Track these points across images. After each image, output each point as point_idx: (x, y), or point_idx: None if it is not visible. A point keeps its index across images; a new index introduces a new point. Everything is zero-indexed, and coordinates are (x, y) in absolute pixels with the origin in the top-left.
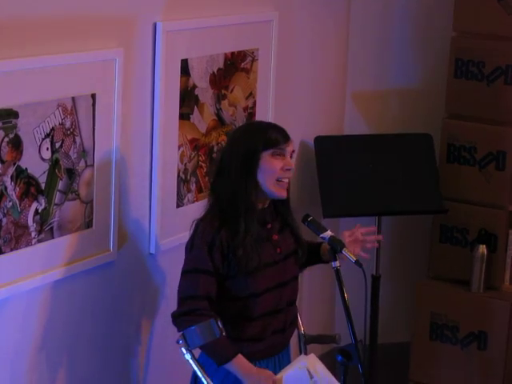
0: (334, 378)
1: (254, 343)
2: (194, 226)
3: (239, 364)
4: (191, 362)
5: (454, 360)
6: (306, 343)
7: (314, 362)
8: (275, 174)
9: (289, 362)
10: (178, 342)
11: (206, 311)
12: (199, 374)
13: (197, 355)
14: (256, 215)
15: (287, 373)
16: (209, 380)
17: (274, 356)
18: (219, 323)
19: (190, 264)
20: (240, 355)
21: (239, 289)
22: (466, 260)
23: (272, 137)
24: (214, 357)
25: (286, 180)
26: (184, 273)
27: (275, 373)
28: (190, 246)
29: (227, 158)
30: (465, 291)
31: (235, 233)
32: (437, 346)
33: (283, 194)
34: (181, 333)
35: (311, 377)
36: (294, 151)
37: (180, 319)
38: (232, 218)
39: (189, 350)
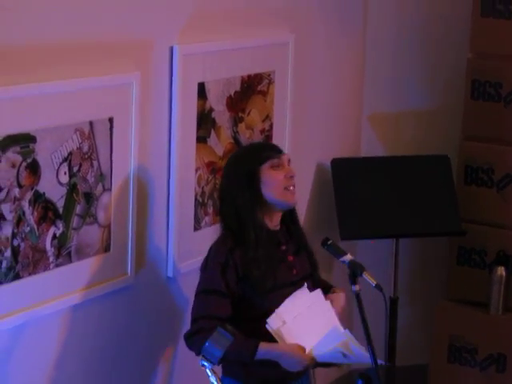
0: (367, 355)
1: (274, 367)
2: (209, 248)
3: (267, 350)
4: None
5: (473, 383)
6: (313, 367)
7: (347, 341)
8: (280, 184)
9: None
10: (202, 365)
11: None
12: None
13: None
14: (265, 233)
15: (318, 352)
16: None
17: (294, 381)
18: (227, 327)
19: (203, 285)
20: (263, 342)
21: (255, 309)
22: (484, 282)
23: (265, 151)
24: (240, 357)
25: (292, 187)
26: (197, 294)
27: (301, 382)
28: (204, 268)
29: (226, 185)
30: (483, 313)
31: (248, 252)
32: (455, 368)
33: (294, 201)
34: (200, 355)
35: (344, 355)
36: (289, 160)
37: (190, 340)
38: (243, 238)
39: (213, 372)
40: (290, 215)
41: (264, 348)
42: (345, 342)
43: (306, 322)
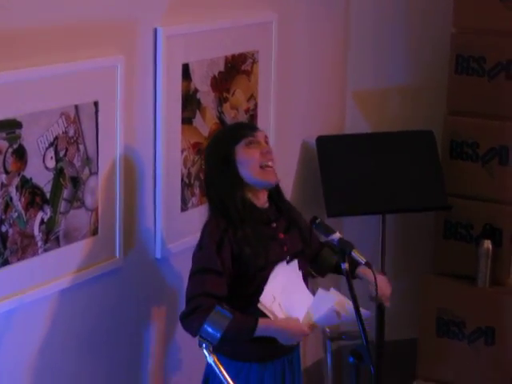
0: (364, 310)
1: (263, 343)
2: (202, 228)
3: (265, 326)
4: (213, 365)
5: (462, 356)
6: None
7: (341, 300)
8: (256, 162)
9: (299, 362)
10: (200, 346)
11: (209, 305)
12: (221, 377)
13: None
14: (250, 211)
15: (317, 317)
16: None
17: (284, 357)
18: (224, 306)
19: (198, 264)
20: (261, 319)
21: (248, 287)
22: (471, 255)
23: (239, 131)
24: (239, 336)
25: (270, 164)
26: (192, 274)
27: (287, 370)
28: (199, 248)
29: (207, 168)
30: (471, 287)
31: (237, 232)
32: (444, 342)
33: (272, 179)
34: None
35: (338, 315)
36: (266, 137)
37: (186, 321)
38: (231, 219)
39: (211, 353)
40: (276, 192)
41: (262, 325)
42: (340, 302)
43: (292, 295)
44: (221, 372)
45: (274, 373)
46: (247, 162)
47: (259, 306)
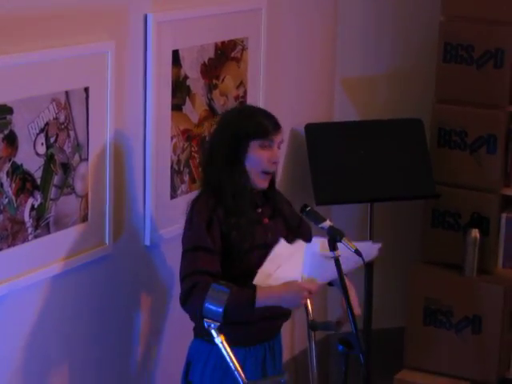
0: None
1: (247, 328)
2: (190, 202)
3: (265, 295)
4: (221, 345)
5: (449, 345)
6: (313, 330)
7: (323, 242)
8: (261, 166)
9: (280, 348)
10: (207, 326)
11: (205, 283)
12: (227, 358)
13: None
14: (247, 198)
15: (307, 269)
16: (236, 364)
17: (266, 342)
18: (221, 281)
19: (189, 242)
20: (260, 288)
21: (233, 268)
22: (458, 244)
23: (263, 125)
24: (241, 309)
25: (272, 170)
26: (183, 253)
27: (268, 355)
28: (189, 225)
29: (216, 142)
30: (458, 275)
31: (229, 214)
32: (431, 330)
33: (265, 186)
34: (201, 317)
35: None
36: (282, 141)
37: (188, 305)
38: (224, 200)
39: (219, 333)
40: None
41: (261, 294)
42: (323, 244)
43: (289, 266)
44: (228, 353)
45: (256, 358)
46: (254, 162)
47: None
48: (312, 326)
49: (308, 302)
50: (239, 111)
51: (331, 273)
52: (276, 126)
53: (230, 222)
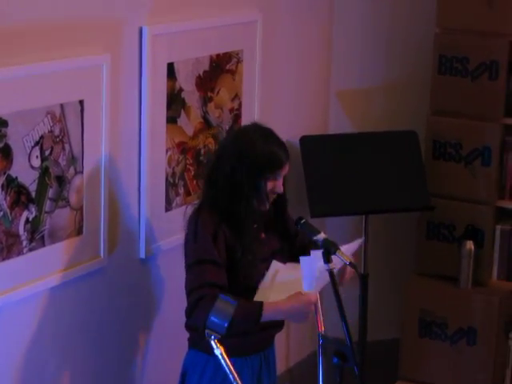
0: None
1: (243, 338)
2: (190, 214)
3: (273, 309)
4: (220, 357)
5: (444, 356)
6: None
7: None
8: (265, 192)
9: (274, 358)
10: (208, 337)
11: (212, 295)
12: (227, 369)
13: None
14: (255, 216)
15: (314, 284)
16: (235, 376)
17: (261, 352)
18: (227, 294)
19: (195, 255)
20: (266, 302)
21: (233, 284)
22: (453, 256)
23: (276, 160)
24: (247, 322)
25: (273, 197)
26: (189, 266)
27: (264, 365)
28: (194, 237)
29: (226, 164)
30: (453, 287)
31: (234, 229)
32: (426, 342)
33: (264, 208)
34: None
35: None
36: (288, 170)
37: (192, 318)
38: (232, 215)
39: (219, 345)
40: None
41: (269, 308)
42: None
43: (287, 280)
44: (227, 364)
45: (252, 368)
46: (259, 191)
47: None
48: (325, 343)
49: (319, 314)
50: (253, 136)
51: (324, 281)
52: (287, 157)
53: (234, 237)
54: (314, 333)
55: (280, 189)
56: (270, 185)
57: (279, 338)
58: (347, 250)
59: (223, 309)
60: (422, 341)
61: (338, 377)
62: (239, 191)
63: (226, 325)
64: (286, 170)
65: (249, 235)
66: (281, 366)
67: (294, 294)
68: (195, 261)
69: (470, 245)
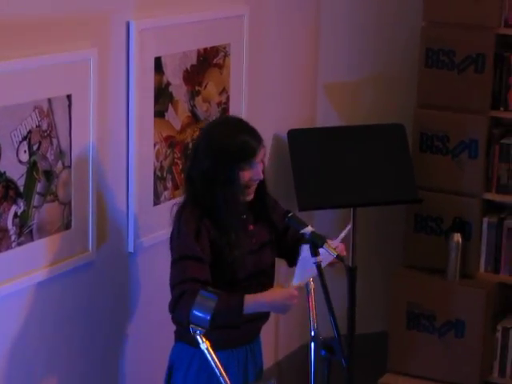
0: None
1: (230, 331)
2: (175, 212)
3: (253, 302)
4: (206, 351)
5: (432, 349)
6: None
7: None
8: (244, 183)
9: (260, 350)
10: (193, 332)
11: (194, 290)
12: (213, 364)
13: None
14: (236, 212)
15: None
16: (221, 370)
17: (247, 345)
18: (209, 288)
19: (178, 252)
20: (247, 295)
21: (218, 278)
22: (441, 249)
23: (247, 147)
24: (229, 316)
25: (254, 186)
26: (173, 263)
27: (250, 358)
28: (177, 234)
29: (201, 159)
30: (440, 280)
31: (217, 225)
32: (414, 335)
33: (248, 198)
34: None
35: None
36: (265, 154)
37: (176, 312)
38: (213, 214)
39: (204, 339)
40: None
41: (250, 300)
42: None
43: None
44: (213, 359)
45: (238, 360)
46: (237, 181)
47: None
48: (323, 344)
49: (313, 311)
50: (223, 129)
51: (311, 273)
52: (259, 144)
53: (219, 232)
54: (302, 326)
55: (259, 176)
56: (247, 174)
57: (268, 331)
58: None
59: (204, 304)
60: (410, 333)
61: (325, 369)
62: (215, 186)
63: (208, 318)
64: (260, 156)
65: (233, 230)
66: (269, 359)
67: (277, 287)
68: (178, 257)
69: (457, 237)
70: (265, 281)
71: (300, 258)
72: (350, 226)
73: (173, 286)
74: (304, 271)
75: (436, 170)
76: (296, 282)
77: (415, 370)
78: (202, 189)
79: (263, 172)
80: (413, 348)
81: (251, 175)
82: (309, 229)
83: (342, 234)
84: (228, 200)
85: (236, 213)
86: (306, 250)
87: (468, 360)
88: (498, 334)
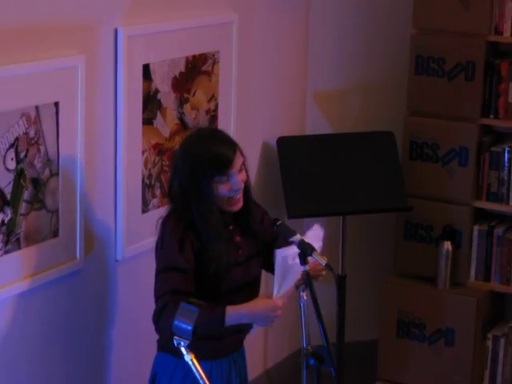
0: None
1: (213, 342)
2: (159, 225)
3: (236, 313)
4: (190, 363)
5: (422, 357)
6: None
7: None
8: (224, 197)
9: (244, 360)
10: (177, 344)
11: (175, 302)
12: (197, 375)
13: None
14: (216, 223)
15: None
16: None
17: (230, 355)
18: (191, 300)
19: (162, 263)
20: (229, 307)
21: (203, 290)
22: (431, 257)
23: (222, 162)
24: (211, 327)
25: (238, 196)
26: (157, 274)
27: (233, 368)
28: (161, 245)
29: (179, 171)
30: (431, 288)
31: (200, 237)
32: (404, 343)
33: (235, 208)
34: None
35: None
36: (243, 161)
37: (158, 324)
38: (194, 226)
39: (188, 351)
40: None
41: (232, 312)
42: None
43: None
44: (197, 370)
45: (221, 371)
46: (217, 192)
47: None
48: (312, 353)
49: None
50: (196, 142)
51: (294, 276)
52: (234, 154)
53: (202, 244)
54: (292, 334)
55: (238, 186)
56: (225, 186)
57: (257, 339)
58: (313, 236)
59: (186, 315)
60: (400, 342)
61: (315, 378)
62: (191, 200)
63: (190, 329)
64: (237, 165)
65: (216, 243)
66: (259, 368)
67: (260, 298)
68: (161, 268)
69: (447, 245)
70: (251, 293)
71: (276, 265)
72: (318, 226)
73: (156, 299)
74: (283, 279)
75: (426, 178)
76: (277, 292)
77: (405, 378)
78: (181, 202)
79: (246, 181)
80: (403, 356)
81: (230, 186)
82: (297, 237)
83: (317, 234)
84: (203, 214)
85: (213, 226)
86: (279, 255)
87: (458, 369)
88: (489, 343)
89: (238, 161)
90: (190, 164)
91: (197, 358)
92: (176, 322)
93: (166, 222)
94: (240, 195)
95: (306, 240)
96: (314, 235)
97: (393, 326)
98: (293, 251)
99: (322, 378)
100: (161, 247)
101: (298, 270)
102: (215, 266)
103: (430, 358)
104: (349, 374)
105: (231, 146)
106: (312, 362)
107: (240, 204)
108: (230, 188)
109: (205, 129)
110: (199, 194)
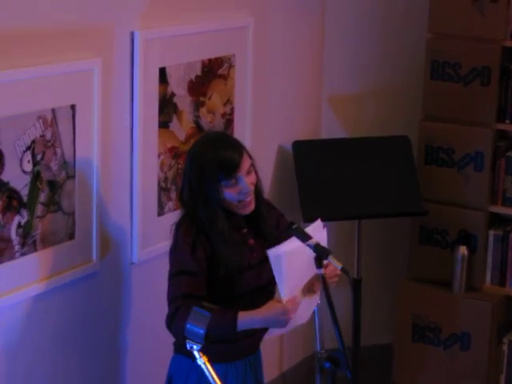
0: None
1: (228, 345)
2: (174, 229)
3: (248, 318)
4: (203, 366)
5: (437, 361)
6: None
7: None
8: (234, 200)
9: (260, 363)
10: (190, 347)
11: (187, 306)
12: (210, 379)
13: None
14: (225, 228)
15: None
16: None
17: (246, 358)
18: (203, 304)
19: (174, 267)
20: (241, 312)
21: (216, 293)
22: (446, 261)
23: (228, 166)
24: (223, 331)
25: (249, 198)
26: (169, 278)
27: (249, 371)
28: (174, 249)
29: (187, 177)
30: (446, 292)
31: (211, 241)
32: (419, 347)
33: (247, 211)
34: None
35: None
36: (251, 165)
37: (172, 326)
38: (208, 230)
39: (201, 354)
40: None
41: (244, 317)
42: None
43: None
44: (210, 374)
45: (237, 373)
46: (226, 197)
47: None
48: (328, 357)
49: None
50: (202, 147)
51: (301, 274)
52: (241, 157)
53: (213, 248)
54: (307, 337)
55: (247, 189)
56: (234, 190)
57: (272, 343)
58: (314, 229)
59: (198, 319)
60: (415, 346)
61: (330, 382)
62: (199, 204)
63: (202, 333)
64: (245, 168)
65: (223, 246)
66: (274, 371)
67: (271, 303)
68: (174, 273)
69: (463, 250)
70: (265, 296)
71: (273, 267)
72: (318, 220)
73: (169, 303)
74: (288, 278)
75: (441, 183)
76: (284, 294)
77: (420, 382)
78: (191, 206)
79: (256, 183)
80: (418, 361)
81: (240, 189)
82: (313, 241)
83: (318, 228)
84: (210, 217)
85: (220, 229)
86: (272, 255)
87: (474, 373)
88: (504, 347)
89: (246, 163)
90: (198, 169)
91: (211, 360)
92: (188, 326)
93: (179, 227)
94: (251, 197)
95: (309, 233)
96: (315, 227)
97: (408, 329)
98: (288, 247)
99: (337, 381)
100: (174, 251)
101: (304, 267)
102: (225, 269)
103: (445, 362)
104: (364, 378)
105: (237, 148)
106: (328, 365)
107: (252, 206)
108: (240, 191)
109: (212, 133)
110: (206, 197)
